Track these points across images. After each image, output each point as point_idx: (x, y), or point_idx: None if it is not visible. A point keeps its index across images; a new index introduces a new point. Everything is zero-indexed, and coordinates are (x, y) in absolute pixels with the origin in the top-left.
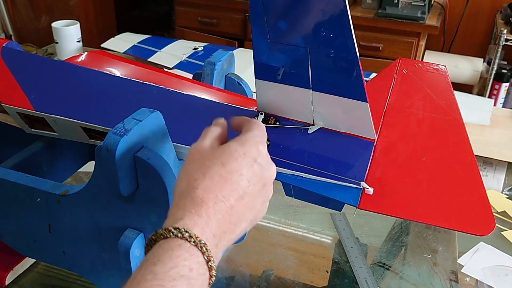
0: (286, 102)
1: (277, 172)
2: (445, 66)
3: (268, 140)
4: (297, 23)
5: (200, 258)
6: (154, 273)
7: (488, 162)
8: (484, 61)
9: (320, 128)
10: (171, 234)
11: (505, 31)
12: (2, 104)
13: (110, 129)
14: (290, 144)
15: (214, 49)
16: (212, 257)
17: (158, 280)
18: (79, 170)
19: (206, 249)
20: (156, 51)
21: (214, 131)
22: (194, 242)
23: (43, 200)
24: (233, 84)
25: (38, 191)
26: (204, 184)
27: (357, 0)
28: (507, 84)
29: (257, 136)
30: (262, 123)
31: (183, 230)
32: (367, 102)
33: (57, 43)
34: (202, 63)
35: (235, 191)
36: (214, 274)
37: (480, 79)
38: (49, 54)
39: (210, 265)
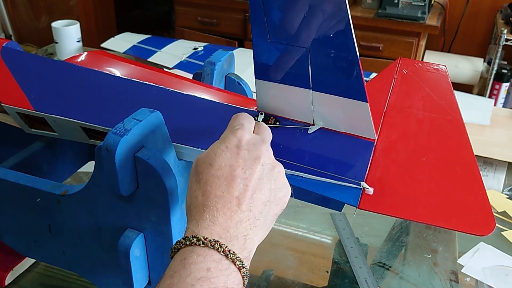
0: (286, 102)
1: None
2: (445, 66)
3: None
4: (297, 23)
5: (216, 256)
6: (172, 285)
7: (488, 162)
8: (484, 61)
9: (320, 128)
10: (181, 244)
11: (505, 31)
12: (2, 104)
13: (110, 129)
14: (290, 144)
15: (214, 49)
16: (230, 250)
17: None
18: (79, 170)
19: (220, 245)
20: (156, 51)
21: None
22: (203, 243)
23: (43, 200)
24: (233, 84)
25: (38, 191)
26: (201, 190)
27: (357, 0)
28: (508, 84)
29: (234, 126)
30: (242, 113)
31: (190, 237)
32: (367, 102)
33: (57, 43)
34: (202, 63)
35: (232, 182)
36: (242, 265)
37: (480, 79)
38: (49, 54)
39: (232, 258)
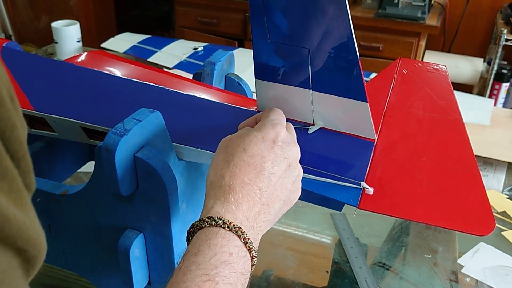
0: (286, 102)
1: None
2: (445, 66)
3: None
4: (297, 23)
5: (238, 242)
6: (197, 264)
7: (488, 162)
8: (484, 61)
9: (320, 128)
10: (206, 223)
11: (505, 31)
12: None
13: (110, 129)
14: None
15: (214, 49)
16: (249, 239)
17: (202, 269)
18: (79, 170)
19: (241, 232)
20: (156, 51)
21: (246, 123)
22: (228, 227)
23: (43, 200)
24: (233, 84)
25: (38, 191)
26: (229, 171)
27: (357, 0)
28: (507, 84)
29: (272, 120)
30: (278, 109)
31: (216, 218)
32: (367, 102)
33: (57, 43)
34: (202, 63)
35: (260, 173)
36: (255, 255)
37: (480, 79)
38: (49, 54)
39: (249, 247)
